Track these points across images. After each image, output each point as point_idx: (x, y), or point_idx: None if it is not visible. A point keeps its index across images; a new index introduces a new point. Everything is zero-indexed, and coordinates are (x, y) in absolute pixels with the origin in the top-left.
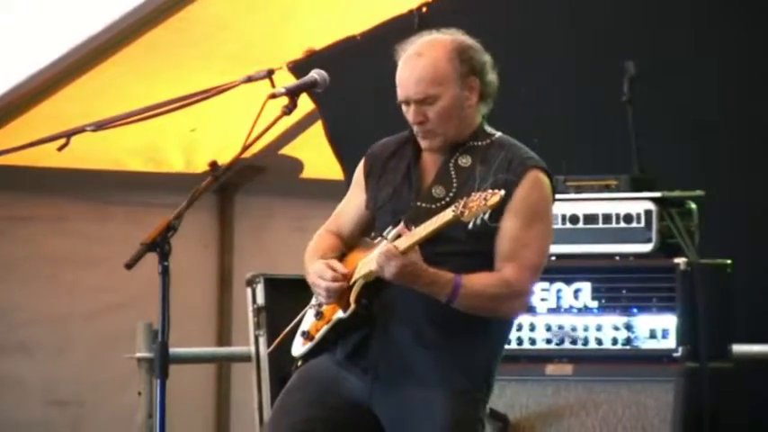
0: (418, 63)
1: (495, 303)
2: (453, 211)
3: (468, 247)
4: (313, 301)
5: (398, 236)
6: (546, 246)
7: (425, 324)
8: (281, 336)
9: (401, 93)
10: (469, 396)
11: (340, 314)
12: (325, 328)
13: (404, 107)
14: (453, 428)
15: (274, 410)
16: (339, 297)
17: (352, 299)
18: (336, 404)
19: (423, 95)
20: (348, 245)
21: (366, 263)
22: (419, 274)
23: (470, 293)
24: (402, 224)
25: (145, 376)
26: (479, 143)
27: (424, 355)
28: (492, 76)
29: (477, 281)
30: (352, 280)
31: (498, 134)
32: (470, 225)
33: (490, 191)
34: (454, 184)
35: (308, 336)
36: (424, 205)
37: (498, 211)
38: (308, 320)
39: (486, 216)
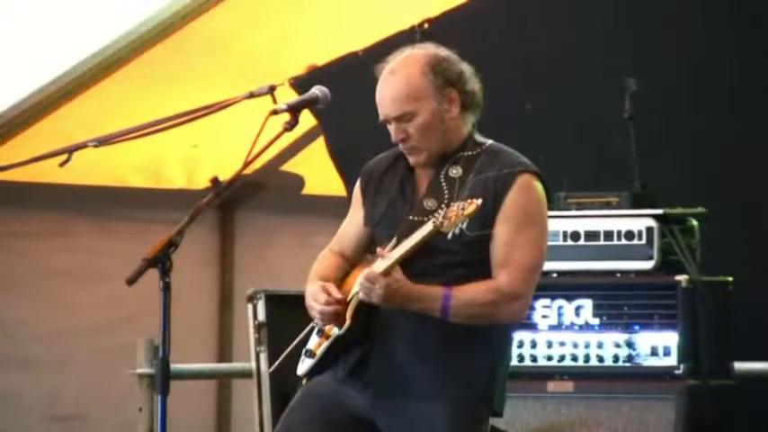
0: (393, 81)
1: (491, 309)
2: (433, 222)
3: (465, 257)
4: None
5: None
6: (540, 248)
7: (424, 337)
8: (283, 356)
9: (380, 112)
10: (471, 408)
11: (337, 331)
12: (324, 345)
13: (387, 127)
14: None
15: (278, 428)
16: (334, 318)
17: (348, 315)
18: (339, 420)
19: (400, 113)
20: (352, 263)
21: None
22: (407, 291)
23: (462, 304)
24: (394, 240)
25: (146, 392)
26: (469, 153)
27: (423, 368)
28: (473, 85)
29: (468, 290)
30: (349, 296)
31: (489, 142)
32: (449, 236)
33: (468, 200)
34: (445, 196)
35: (310, 354)
36: (416, 218)
37: (484, 219)
38: (312, 339)
39: (464, 225)
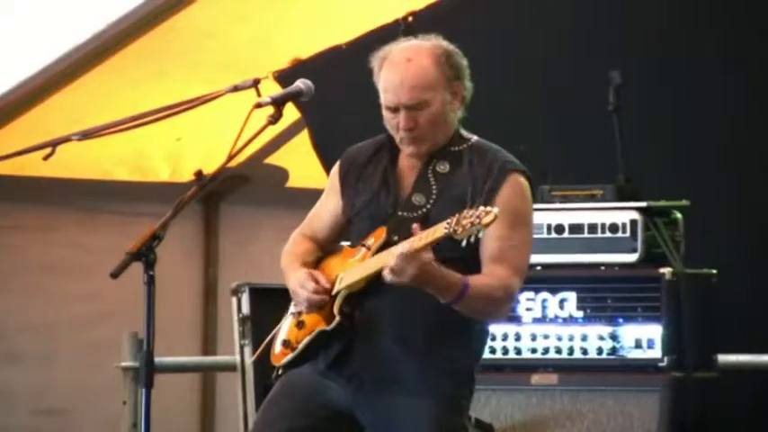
0: (409, 69)
1: (494, 304)
2: (446, 228)
3: (451, 253)
4: (292, 309)
5: (382, 246)
6: (530, 248)
7: (409, 332)
8: (263, 345)
9: (391, 98)
10: (454, 402)
11: (323, 326)
12: (307, 339)
13: (389, 113)
14: None
15: (257, 421)
16: (320, 308)
17: (336, 311)
18: (319, 413)
19: (416, 101)
20: (323, 249)
21: (349, 273)
22: (434, 273)
23: (476, 294)
24: (384, 236)
25: (130, 385)
26: (456, 148)
27: (407, 362)
28: (469, 82)
29: (481, 282)
30: (335, 291)
31: (474, 138)
32: (463, 243)
33: (483, 209)
34: (434, 192)
35: (289, 345)
36: (405, 214)
37: None
38: (289, 329)
39: (481, 234)
